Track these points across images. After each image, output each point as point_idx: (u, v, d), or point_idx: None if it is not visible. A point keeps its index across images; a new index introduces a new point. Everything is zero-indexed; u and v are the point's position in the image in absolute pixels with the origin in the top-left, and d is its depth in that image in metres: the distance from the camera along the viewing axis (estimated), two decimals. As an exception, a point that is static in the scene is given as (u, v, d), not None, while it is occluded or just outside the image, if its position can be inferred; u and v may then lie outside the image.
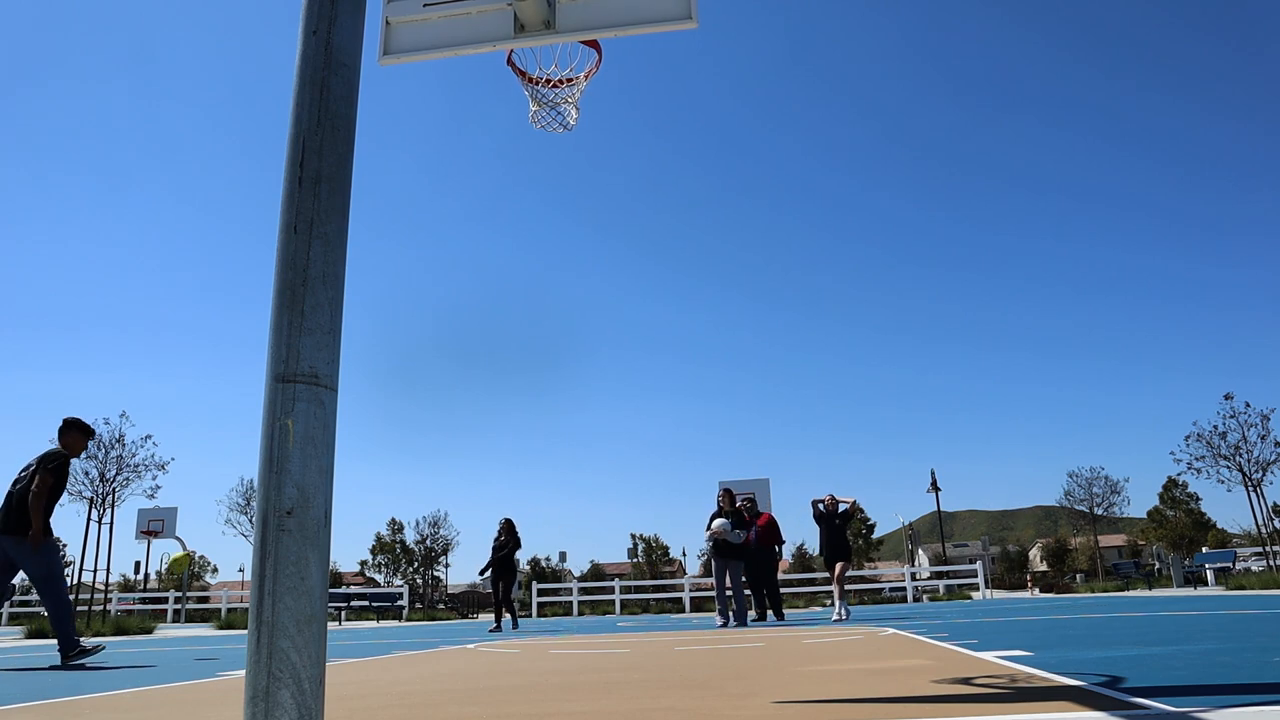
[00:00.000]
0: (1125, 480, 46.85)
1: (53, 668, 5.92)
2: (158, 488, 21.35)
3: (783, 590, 27.81)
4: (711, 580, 11.69)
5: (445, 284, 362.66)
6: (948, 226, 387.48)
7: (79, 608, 17.44)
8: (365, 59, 2.05)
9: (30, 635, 13.59)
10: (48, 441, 6.64)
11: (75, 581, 18.94)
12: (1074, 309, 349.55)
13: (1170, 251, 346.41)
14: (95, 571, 16.61)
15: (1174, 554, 31.37)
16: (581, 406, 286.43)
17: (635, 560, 61.42)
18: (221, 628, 16.69)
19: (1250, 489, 20.82)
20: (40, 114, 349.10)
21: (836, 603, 10.99)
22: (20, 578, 7.11)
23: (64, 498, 6.44)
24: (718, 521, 10.49)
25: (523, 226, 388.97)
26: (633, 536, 62.21)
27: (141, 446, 21.07)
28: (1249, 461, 20.92)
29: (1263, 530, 21.50)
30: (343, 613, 21.86)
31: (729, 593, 10.46)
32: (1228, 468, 21.20)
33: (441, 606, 37.78)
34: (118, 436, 18.88)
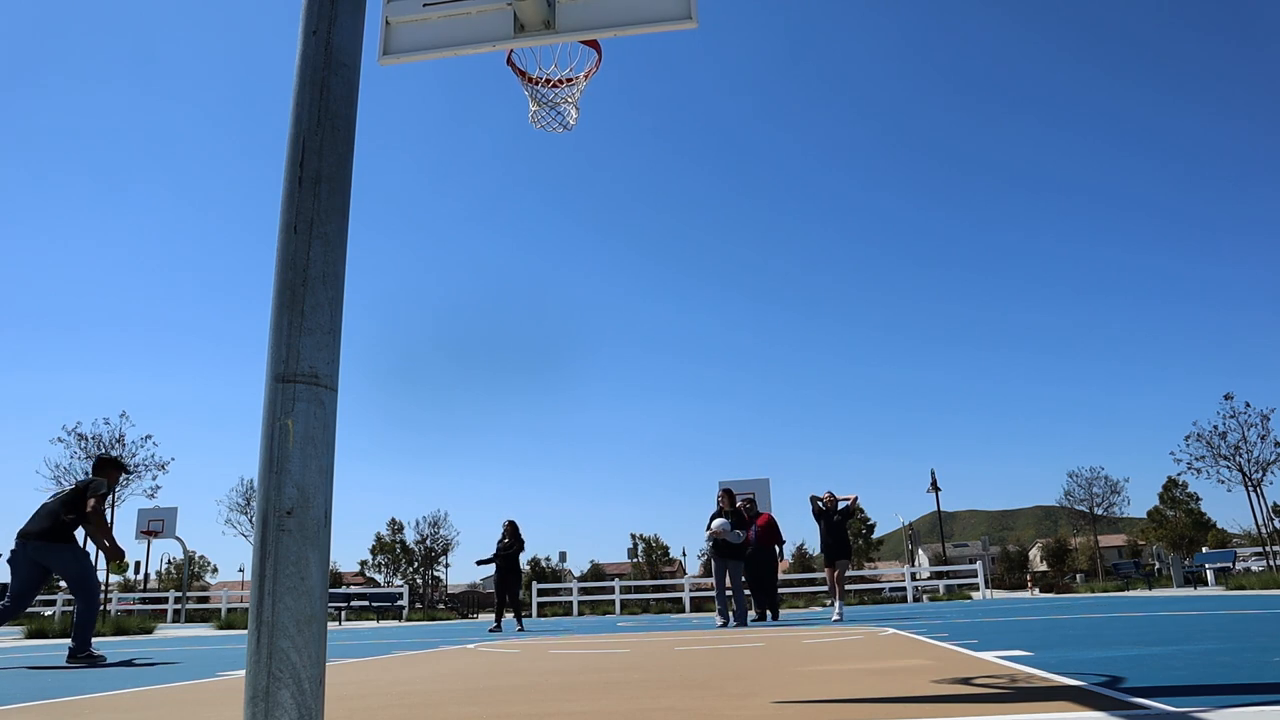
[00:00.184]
0: (1125, 480, 46.93)
1: (53, 667, 5.93)
2: (158, 488, 21.39)
3: (783, 590, 27.87)
4: (711, 580, 11.68)
5: (445, 284, 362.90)
6: (948, 226, 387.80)
7: (74, 608, 17.43)
8: (365, 59, 2.05)
9: (30, 635, 13.60)
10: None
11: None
12: (1074, 309, 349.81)
13: (1170, 251, 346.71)
14: (95, 572, 16.60)
15: (1174, 554, 31.36)
16: (581, 406, 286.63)
17: (635, 560, 61.42)
18: (221, 628, 16.68)
19: (1250, 489, 20.85)
20: (40, 114, 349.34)
21: (836, 602, 10.99)
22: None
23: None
24: (717, 521, 10.49)
25: (523, 226, 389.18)
26: (633, 536, 62.26)
27: (141, 446, 21.10)
28: (1249, 461, 20.95)
29: (1263, 530, 21.52)
30: (343, 613, 21.86)
31: (729, 593, 10.46)
32: (1228, 468, 21.23)
33: (441, 606, 37.80)
34: (118, 436, 18.90)
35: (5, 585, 18.78)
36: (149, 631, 14.83)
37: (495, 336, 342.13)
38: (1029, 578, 45.20)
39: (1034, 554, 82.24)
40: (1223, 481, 21.40)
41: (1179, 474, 27.82)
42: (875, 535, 62.77)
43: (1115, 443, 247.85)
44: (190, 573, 26.03)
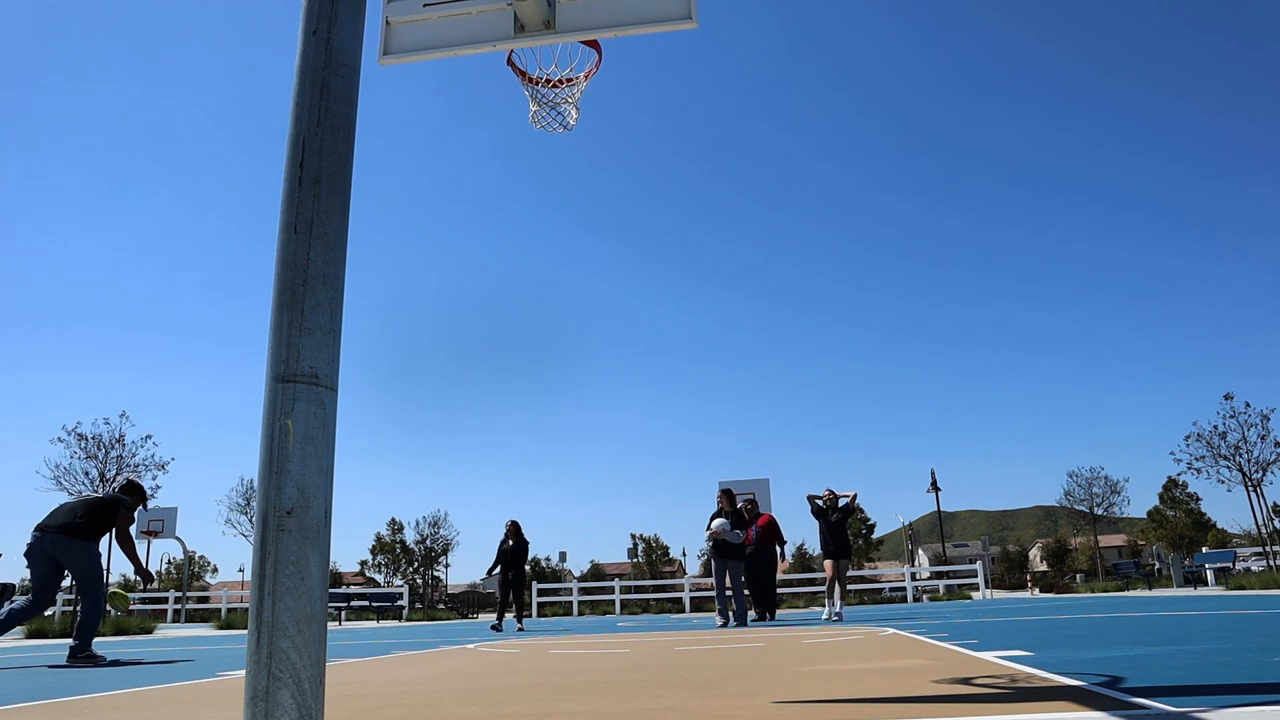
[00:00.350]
0: (1125, 480, 46.89)
1: (54, 666, 5.92)
2: (158, 488, 21.38)
3: (783, 590, 27.85)
4: (711, 580, 11.67)
5: (445, 284, 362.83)
6: (947, 227, 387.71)
7: (79, 608, 17.42)
8: (365, 59, 2.05)
9: (30, 635, 13.60)
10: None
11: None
12: (1074, 308, 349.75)
13: (1170, 251, 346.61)
14: (104, 574, 16.61)
15: (1174, 554, 31.36)
16: (582, 406, 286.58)
17: (635, 560, 61.40)
18: (221, 628, 16.68)
19: (1250, 489, 20.84)
20: (40, 114, 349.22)
21: (836, 601, 10.98)
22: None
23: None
24: (717, 521, 10.49)
25: (523, 226, 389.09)
26: (633, 536, 62.24)
27: (141, 446, 21.11)
28: (1249, 461, 20.94)
29: (1263, 530, 21.51)
30: (343, 613, 21.85)
31: (729, 593, 10.45)
32: (1228, 468, 21.23)
33: (441, 606, 37.77)
34: (117, 436, 18.90)
35: (9, 586, 18.83)
36: (149, 631, 14.83)
37: (495, 337, 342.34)
38: (1029, 578, 45.17)
39: (1034, 554, 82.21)
40: (1223, 481, 21.42)
41: (1179, 474, 27.82)
42: (875, 535, 62.72)
43: (1115, 443, 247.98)
44: (190, 573, 26.04)
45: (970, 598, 22.99)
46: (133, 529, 7.32)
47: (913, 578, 24.90)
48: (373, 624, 20.13)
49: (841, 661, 4.17)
